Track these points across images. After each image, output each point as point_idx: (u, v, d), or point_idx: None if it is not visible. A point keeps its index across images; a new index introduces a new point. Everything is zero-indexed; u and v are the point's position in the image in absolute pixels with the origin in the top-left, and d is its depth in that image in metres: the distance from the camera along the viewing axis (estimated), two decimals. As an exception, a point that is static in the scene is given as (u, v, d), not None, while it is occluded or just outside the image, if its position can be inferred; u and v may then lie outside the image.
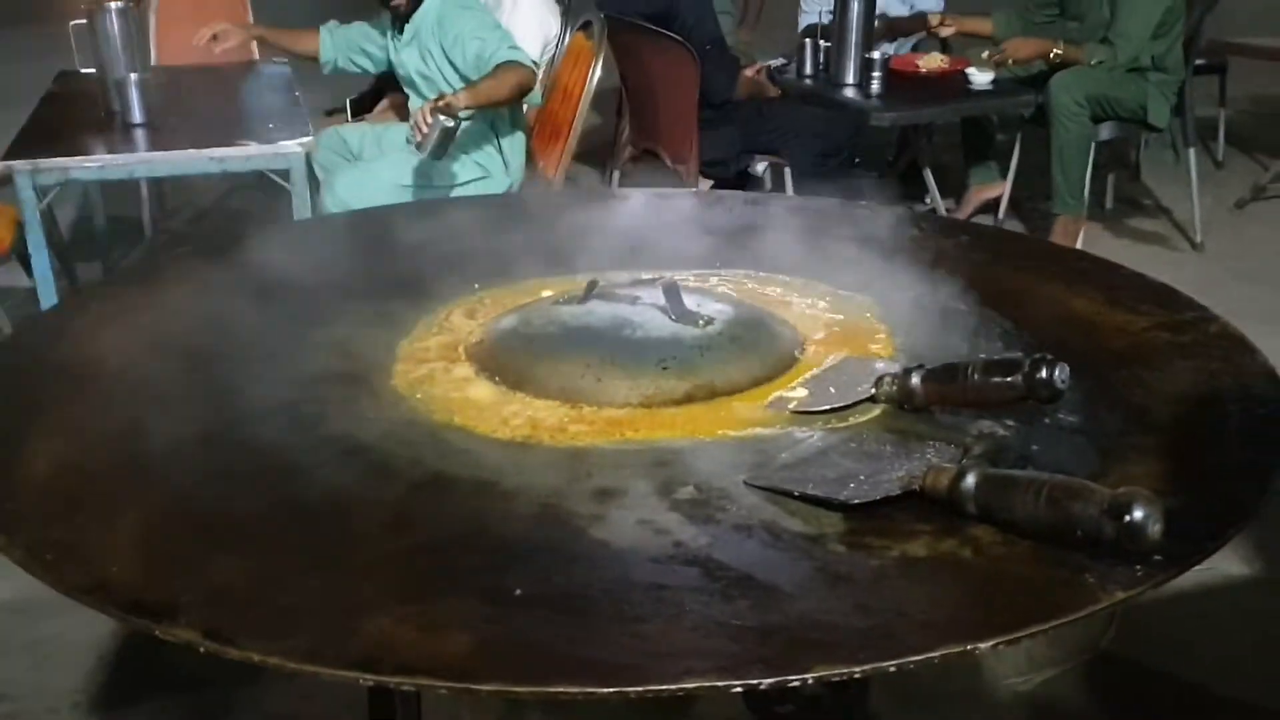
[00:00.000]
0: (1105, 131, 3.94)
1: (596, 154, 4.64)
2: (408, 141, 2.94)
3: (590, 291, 1.38)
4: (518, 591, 0.87)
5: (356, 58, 3.34)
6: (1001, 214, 4.25)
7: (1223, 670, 2.09)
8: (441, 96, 2.78)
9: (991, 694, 2.06)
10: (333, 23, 3.35)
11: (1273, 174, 4.72)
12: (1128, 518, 0.86)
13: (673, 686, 0.76)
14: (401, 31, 3.15)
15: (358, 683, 0.78)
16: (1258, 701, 2.03)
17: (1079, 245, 3.65)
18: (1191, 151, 4.19)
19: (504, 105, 3.02)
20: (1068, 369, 1.07)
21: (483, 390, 1.24)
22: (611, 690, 0.76)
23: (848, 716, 1.54)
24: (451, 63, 3.05)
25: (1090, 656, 2.11)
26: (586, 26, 3.46)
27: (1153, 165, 4.91)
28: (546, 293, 1.49)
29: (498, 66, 2.88)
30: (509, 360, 1.27)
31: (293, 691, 2.00)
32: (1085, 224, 3.95)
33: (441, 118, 2.69)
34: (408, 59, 3.17)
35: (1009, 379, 1.09)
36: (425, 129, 2.70)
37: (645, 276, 1.50)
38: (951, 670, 1.90)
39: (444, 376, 1.27)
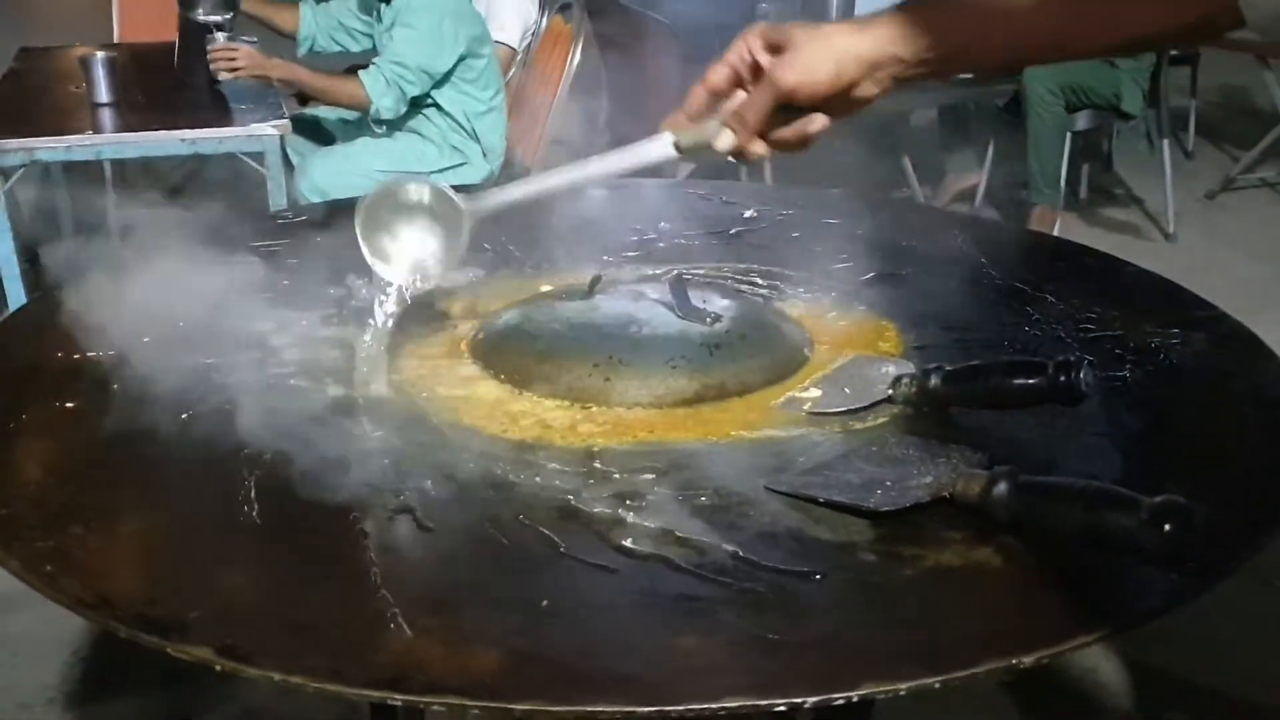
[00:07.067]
0: (1081, 121, 3.96)
1: (571, 141, 4.59)
2: (215, 74, 2.98)
3: (594, 287, 1.34)
4: (544, 603, 0.84)
5: (337, 35, 3.26)
6: (978, 203, 4.25)
7: (1205, 662, 2.10)
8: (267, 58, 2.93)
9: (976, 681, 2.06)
10: None
11: (1242, 165, 4.76)
12: (1169, 526, 0.84)
13: (714, 706, 0.73)
14: (381, 17, 3.09)
15: (385, 702, 0.75)
16: (1237, 692, 2.05)
17: (1055, 234, 3.68)
18: (1165, 142, 4.22)
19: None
20: (1093, 372, 1.05)
21: (488, 389, 1.20)
22: (653, 710, 0.73)
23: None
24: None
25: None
26: (565, 9, 3.41)
27: (1124, 156, 4.94)
28: (546, 287, 1.46)
29: (355, 76, 2.93)
30: (514, 358, 1.24)
31: (269, 687, 1.96)
32: (1060, 213, 3.98)
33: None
34: (386, 44, 3.10)
35: (1033, 381, 1.07)
36: (235, 71, 2.91)
37: (647, 271, 1.47)
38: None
39: (448, 374, 1.23)
